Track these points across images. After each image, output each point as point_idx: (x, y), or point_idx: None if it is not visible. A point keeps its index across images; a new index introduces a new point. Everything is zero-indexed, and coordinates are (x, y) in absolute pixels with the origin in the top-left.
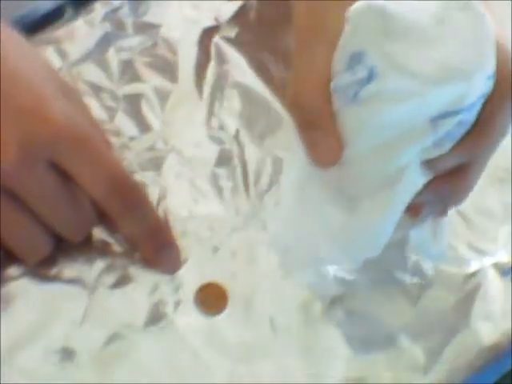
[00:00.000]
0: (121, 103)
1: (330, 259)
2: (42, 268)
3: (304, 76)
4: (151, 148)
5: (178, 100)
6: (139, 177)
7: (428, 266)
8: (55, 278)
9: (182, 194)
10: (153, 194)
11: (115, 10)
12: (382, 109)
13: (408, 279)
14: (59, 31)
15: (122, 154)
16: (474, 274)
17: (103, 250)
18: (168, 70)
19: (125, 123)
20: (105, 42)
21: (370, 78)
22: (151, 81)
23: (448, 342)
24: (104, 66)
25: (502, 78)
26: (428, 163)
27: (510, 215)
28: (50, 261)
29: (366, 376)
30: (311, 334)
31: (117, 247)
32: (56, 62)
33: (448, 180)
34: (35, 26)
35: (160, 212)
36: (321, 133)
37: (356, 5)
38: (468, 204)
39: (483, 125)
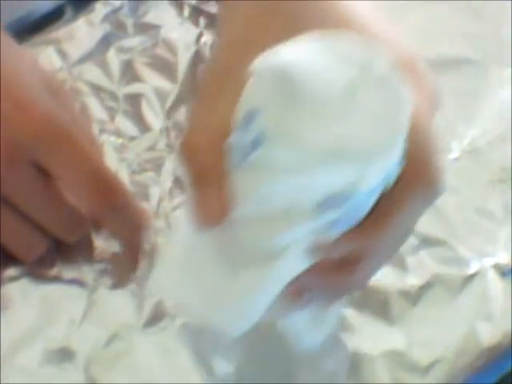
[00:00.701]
0: (121, 103)
1: (208, 323)
2: (42, 268)
3: (202, 126)
4: (151, 148)
5: (178, 100)
6: (139, 177)
7: (428, 267)
8: (55, 279)
9: (182, 195)
10: (153, 194)
11: (115, 11)
12: (267, 179)
13: (408, 280)
14: (59, 31)
15: (122, 154)
16: (474, 275)
17: (103, 250)
18: (168, 70)
19: (125, 123)
20: (105, 42)
21: (260, 141)
22: (151, 81)
23: (448, 342)
24: (104, 66)
25: (414, 167)
26: (312, 247)
27: (510, 216)
28: (49, 261)
29: (366, 376)
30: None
31: (117, 247)
32: (56, 62)
33: (332, 269)
34: (35, 26)
35: (160, 212)
36: (209, 190)
37: (262, 58)
38: (468, 204)
39: (379, 216)
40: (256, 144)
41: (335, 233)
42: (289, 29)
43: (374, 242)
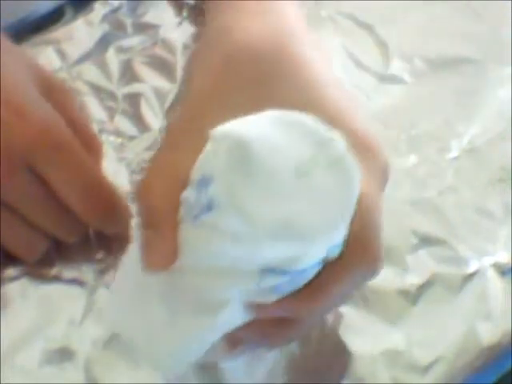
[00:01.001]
0: (120, 103)
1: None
2: (41, 268)
3: (161, 172)
4: (151, 148)
5: (177, 100)
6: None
7: (428, 266)
8: (55, 278)
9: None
10: None
11: (114, 11)
12: (214, 240)
13: (408, 279)
14: (59, 31)
15: (121, 154)
16: (473, 274)
17: (103, 250)
18: (167, 70)
19: (124, 123)
20: (104, 42)
21: (212, 206)
22: (150, 81)
23: (447, 341)
24: (103, 66)
25: (358, 245)
26: (251, 305)
27: (509, 215)
28: (49, 261)
29: (366, 376)
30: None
31: (117, 247)
32: (56, 62)
33: (267, 327)
34: (35, 26)
35: None
36: (158, 236)
37: (222, 126)
38: (468, 204)
39: (318, 287)
40: (208, 208)
41: (276, 296)
42: (253, 93)
43: (305, 310)
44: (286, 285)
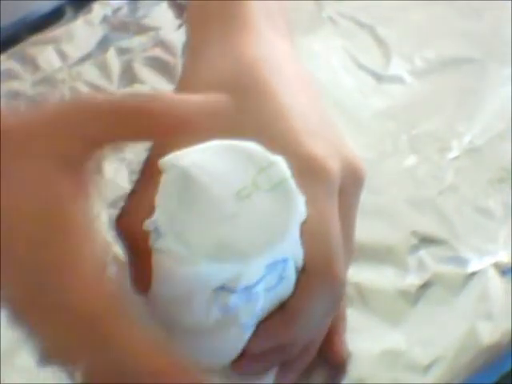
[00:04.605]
0: None
1: None
2: None
3: (137, 206)
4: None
5: None
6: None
7: (428, 266)
8: None
9: None
10: None
11: (115, 12)
12: (167, 265)
13: (408, 279)
14: (59, 32)
15: (121, 154)
16: (474, 274)
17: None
18: (167, 71)
19: None
20: (104, 42)
21: (158, 234)
22: (150, 82)
23: (448, 341)
24: (103, 66)
25: (313, 270)
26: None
27: (510, 215)
28: None
29: (366, 376)
30: None
31: (117, 247)
32: (56, 62)
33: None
34: (35, 26)
35: None
36: (138, 261)
37: (170, 156)
38: (468, 204)
39: (289, 312)
40: (157, 235)
41: (240, 319)
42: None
43: (289, 334)
44: (245, 304)
